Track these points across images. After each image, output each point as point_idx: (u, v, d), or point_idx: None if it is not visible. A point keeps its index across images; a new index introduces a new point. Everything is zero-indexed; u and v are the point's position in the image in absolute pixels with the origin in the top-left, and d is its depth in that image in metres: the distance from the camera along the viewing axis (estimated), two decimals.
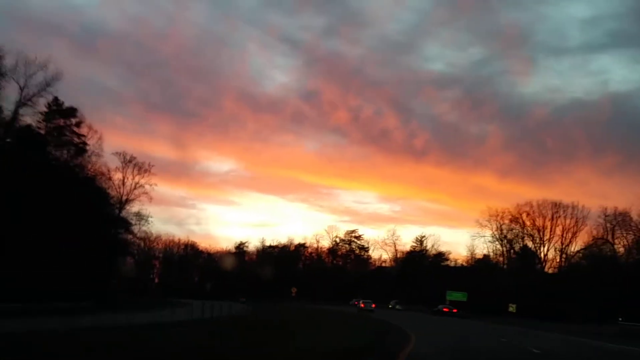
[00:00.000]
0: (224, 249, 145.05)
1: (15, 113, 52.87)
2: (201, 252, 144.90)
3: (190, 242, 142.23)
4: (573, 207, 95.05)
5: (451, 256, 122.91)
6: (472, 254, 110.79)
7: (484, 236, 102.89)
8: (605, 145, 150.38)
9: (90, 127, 64.56)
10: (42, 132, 57.67)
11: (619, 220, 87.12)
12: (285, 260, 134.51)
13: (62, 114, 58.42)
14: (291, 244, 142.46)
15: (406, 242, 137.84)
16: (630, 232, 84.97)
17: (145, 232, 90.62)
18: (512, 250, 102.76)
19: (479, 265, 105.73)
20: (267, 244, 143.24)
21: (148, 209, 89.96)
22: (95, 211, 63.49)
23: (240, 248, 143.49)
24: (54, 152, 61.65)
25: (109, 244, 70.24)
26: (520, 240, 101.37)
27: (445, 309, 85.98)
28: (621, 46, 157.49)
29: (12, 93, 52.39)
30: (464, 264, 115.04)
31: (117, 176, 79.76)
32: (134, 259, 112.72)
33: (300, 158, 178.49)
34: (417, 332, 36.05)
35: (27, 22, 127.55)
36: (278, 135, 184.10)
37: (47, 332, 22.80)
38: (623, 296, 68.37)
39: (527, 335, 39.86)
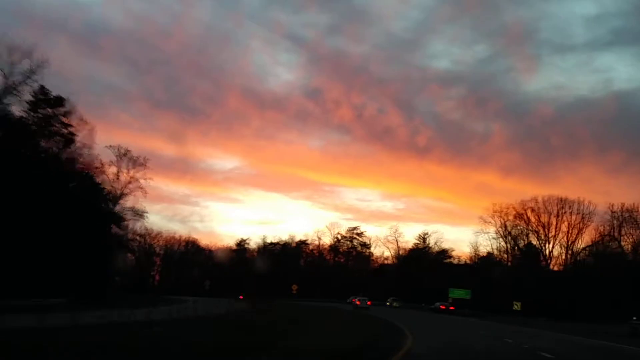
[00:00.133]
0: (225, 246, 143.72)
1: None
2: (203, 249, 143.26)
3: (191, 239, 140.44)
4: (579, 204, 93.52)
5: (454, 253, 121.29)
6: (475, 251, 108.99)
7: (488, 232, 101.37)
8: (610, 142, 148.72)
9: (81, 119, 62.78)
10: (29, 122, 55.79)
11: (625, 216, 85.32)
12: (286, 258, 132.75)
13: (49, 103, 56.57)
14: (292, 241, 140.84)
15: (409, 239, 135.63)
16: (638, 229, 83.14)
17: (146, 229, 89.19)
18: (516, 247, 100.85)
19: (483, 263, 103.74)
20: (269, 241, 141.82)
21: (144, 204, 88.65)
22: (87, 204, 61.73)
23: (241, 245, 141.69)
24: (43, 144, 59.88)
25: (102, 239, 68.40)
26: (524, 237, 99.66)
27: (442, 307, 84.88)
28: (626, 44, 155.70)
29: None
30: (467, 261, 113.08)
31: (112, 170, 78.30)
32: (135, 256, 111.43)
33: (304, 155, 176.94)
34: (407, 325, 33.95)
35: (31, 20, 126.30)
36: (282, 133, 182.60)
37: None
38: (637, 295, 66.07)
39: (541, 338, 36.74)
